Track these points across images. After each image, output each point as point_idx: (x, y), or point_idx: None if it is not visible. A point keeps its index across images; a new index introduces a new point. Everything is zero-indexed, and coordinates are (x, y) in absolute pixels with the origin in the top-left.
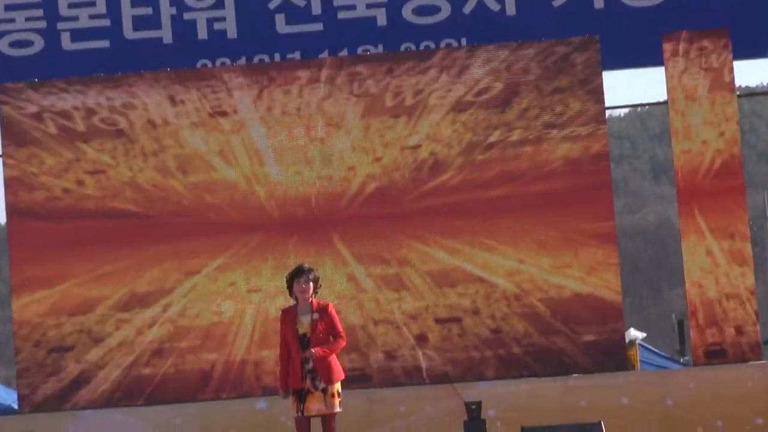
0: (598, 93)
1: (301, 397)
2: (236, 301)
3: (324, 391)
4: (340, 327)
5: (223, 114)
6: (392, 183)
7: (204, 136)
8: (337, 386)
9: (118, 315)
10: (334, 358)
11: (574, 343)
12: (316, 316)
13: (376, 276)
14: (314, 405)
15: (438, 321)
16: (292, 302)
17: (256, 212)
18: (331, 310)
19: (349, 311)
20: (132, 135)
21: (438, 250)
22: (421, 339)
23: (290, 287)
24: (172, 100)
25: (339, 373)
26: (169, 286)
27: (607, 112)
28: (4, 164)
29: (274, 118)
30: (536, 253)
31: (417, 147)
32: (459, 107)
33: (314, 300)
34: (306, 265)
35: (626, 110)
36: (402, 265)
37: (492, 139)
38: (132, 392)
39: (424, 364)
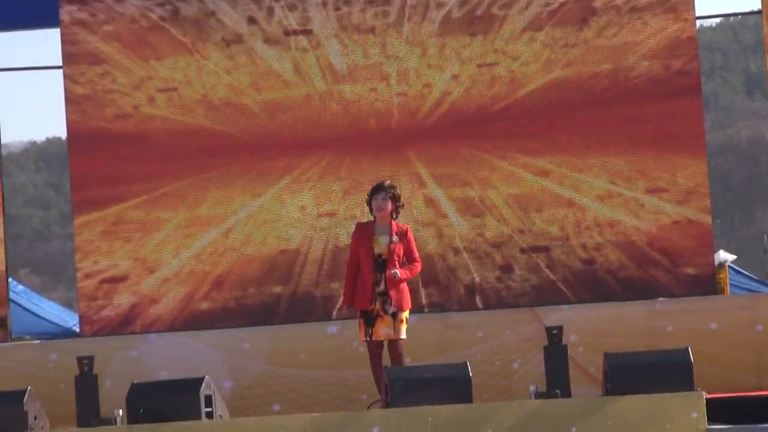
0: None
1: (369, 320)
2: (305, 227)
3: (393, 315)
4: (416, 252)
5: (299, 32)
6: (470, 100)
7: (278, 53)
8: (406, 313)
9: (175, 240)
10: (405, 285)
11: (664, 268)
12: (395, 238)
13: (455, 199)
14: (383, 329)
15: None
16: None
17: (328, 130)
18: (410, 234)
19: (428, 238)
20: (205, 52)
21: (522, 171)
22: (506, 269)
23: (369, 204)
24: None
25: (409, 301)
26: (233, 210)
27: (698, 23)
28: (71, 80)
29: (349, 36)
30: (628, 175)
31: (493, 65)
32: (536, 26)
33: (394, 222)
34: (387, 182)
35: (718, 20)
36: (484, 187)
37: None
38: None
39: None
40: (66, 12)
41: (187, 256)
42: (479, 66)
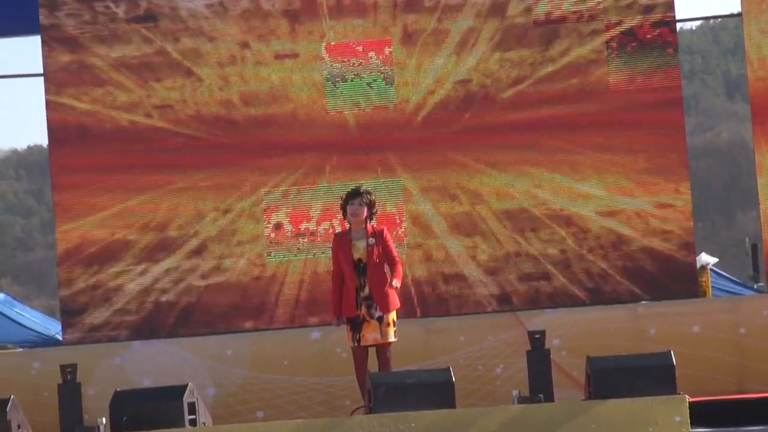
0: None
1: (355, 325)
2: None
3: (380, 319)
4: (395, 252)
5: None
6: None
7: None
8: (393, 315)
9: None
10: (390, 287)
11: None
12: (372, 241)
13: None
14: (370, 334)
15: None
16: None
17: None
18: (386, 234)
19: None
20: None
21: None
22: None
23: (344, 210)
24: None
25: (395, 301)
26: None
27: (678, 26)
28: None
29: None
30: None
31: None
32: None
33: (369, 225)
34: (362, 187)
35: (698, 23)
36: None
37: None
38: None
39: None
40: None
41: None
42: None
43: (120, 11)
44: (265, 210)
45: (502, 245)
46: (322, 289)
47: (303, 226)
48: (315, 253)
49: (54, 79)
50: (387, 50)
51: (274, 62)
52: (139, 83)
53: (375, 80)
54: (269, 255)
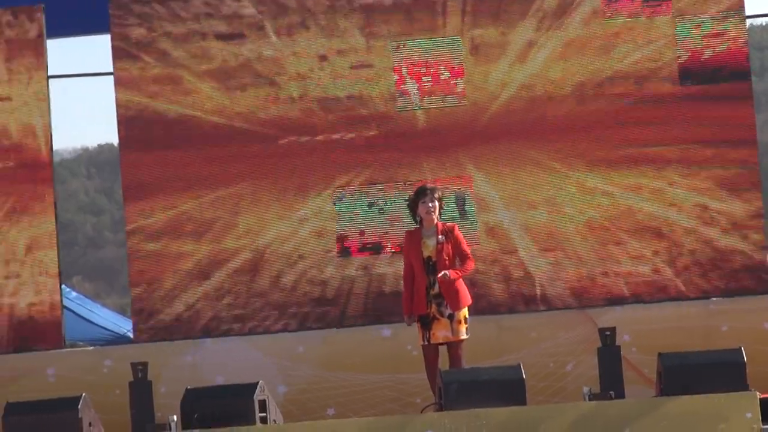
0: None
1: (426, 324)
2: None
3: (450, 317)
4: (467, 248)
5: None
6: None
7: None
8: (464, 312)
9: None
10: (461, 283)
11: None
12: (441, 238)
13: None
14: (440, 332)
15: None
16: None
17: None
18: (457, 231)
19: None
20: None
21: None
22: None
23: (413, 209)
24: None
25: (466, 298)
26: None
27: (748, 22)
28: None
29: None
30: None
31: None
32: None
33: (439, 222)
34: (430, 185)
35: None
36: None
37: None
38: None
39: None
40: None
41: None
42: None
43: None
44: None
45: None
46: None
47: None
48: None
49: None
50: None
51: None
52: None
53: None
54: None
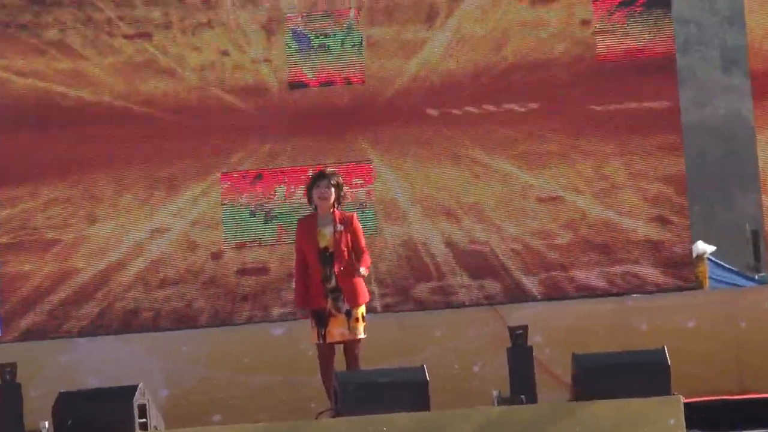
0: None
1: (321, 320)
2: None
3: (348, 314)
4: (363, 242)
5: None
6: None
7: None
8: (362, 309)
9: None
10: (359, 278)
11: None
12: (340, 227)
13: None
14: (337, 329)
15: None
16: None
17: None
18: (356, 222)
19: None
20: None
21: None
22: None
23: (309, 194)
24: None
25: (365, 294)
26: None
27: None
28: None
29: None
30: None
31: None
32: None
33: (337, 211)
34: (328, 169)
35: None
36: None
37: None
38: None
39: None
40: None
41: None
42: None
43: None
44: None
45: None
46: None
47: None
48: None
49: None
50: None
51: None
52: None
53: None
54: None
